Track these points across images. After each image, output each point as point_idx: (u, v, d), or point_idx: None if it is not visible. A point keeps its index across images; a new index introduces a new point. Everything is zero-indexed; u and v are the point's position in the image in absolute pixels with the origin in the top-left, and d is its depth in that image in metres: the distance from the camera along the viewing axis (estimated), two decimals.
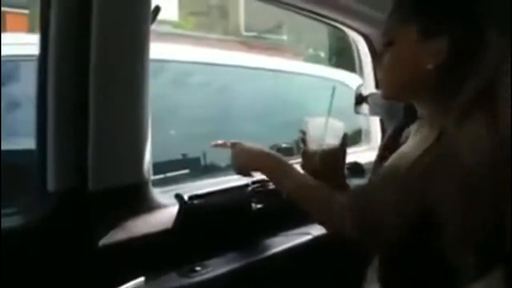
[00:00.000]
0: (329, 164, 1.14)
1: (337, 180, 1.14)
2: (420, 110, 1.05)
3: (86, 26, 1.08)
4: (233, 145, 1.13)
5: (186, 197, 1.23)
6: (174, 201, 1.24)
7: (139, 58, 1.15)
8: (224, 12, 11.52)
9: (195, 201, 1.24)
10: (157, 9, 1.19)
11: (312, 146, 1.14)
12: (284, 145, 1.90)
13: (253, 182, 1.38)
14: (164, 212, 1.23)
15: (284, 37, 11.27)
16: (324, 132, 1.12)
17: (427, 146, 0.90)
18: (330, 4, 1.60)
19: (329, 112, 1.13)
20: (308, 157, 1.16)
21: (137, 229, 1.15)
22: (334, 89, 1.14)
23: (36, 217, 1.06)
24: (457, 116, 0.90)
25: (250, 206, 1.37)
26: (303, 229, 1.44)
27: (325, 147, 1.13)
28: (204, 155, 2.46)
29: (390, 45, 1.03)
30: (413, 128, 1.07)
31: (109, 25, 1.09)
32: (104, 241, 1.08)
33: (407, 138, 1.07)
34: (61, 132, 1.09)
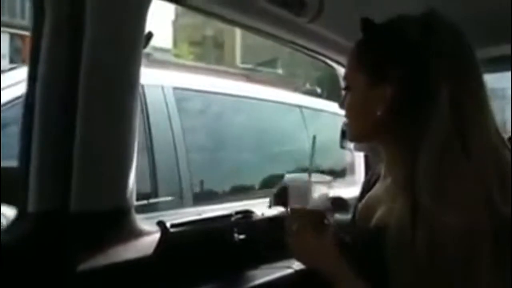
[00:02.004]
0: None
1: None
2: (383, 154, 1.07)
3: (77, 50, 1.09)
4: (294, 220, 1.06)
5: (168, 225, 1.22)
6: (156, 228, 1.23)
7: (129, 84, 1.16)
8: (219, 43, 11.66)
9: (177, 229, 1.22)
10: (150, 35, 1.20)
11: (297, 205, 1.05)
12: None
13: (237, 213, 1.37)
14: (146, 239, 1.22)
15: (279, 71, 11.41)
16: (307, 191, 1.04)
17: (396, 220, 0.91)
18: (321, 41, 1.62)
19: (311, 165, 1.06)
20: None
21: (118, 255, 1.13)
22: (314, 138, 1.10)
23: (13, 238, 1.04)
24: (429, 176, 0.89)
25: (233, 237, 1.36)
26: (285, 263, 1.42)
27: (309, 207, 1.04)
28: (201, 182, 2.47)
29: (348, 90, 1.06)
30: (382, 168, 1.10)
31: (100, 49, 1.10)
32: (83, 266, 1.06)
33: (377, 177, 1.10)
34: (45, 153, 1.08)
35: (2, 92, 1.69)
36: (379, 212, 1.01)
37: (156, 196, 2.26)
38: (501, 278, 0.87)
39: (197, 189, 2.46)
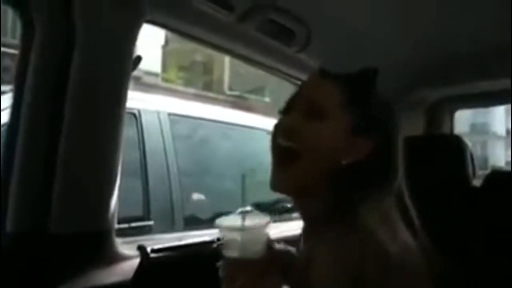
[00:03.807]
0: None
1: None
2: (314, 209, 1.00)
3: (64, 70, 1.09)
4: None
5: (148, 250, 1.20)
6: (136, 252, 1.22)
7: (115, 107, 1.16)
8: (208, 69, 11.74)
9: (158, 254, 1.21)
10: (139, 58, 1.21)
11: (232, 253, 0.93)
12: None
13: (218, 239, 1.35)
14: (126, 264, 1.20)
15: (267, 99, 11.50)
16: (242, 236, 0.92)
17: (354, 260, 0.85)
18: (308, 71, 1.64)
19: (244, 207, 0.95)
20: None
21: (97, 279, 1.11)
22: (243, 177, 0.99)
23: None
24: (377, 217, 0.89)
25: (214, 263, 1.34)
26: None
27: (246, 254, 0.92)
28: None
29: (316, 118, 0.98)
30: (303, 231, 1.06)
31: (88, 70, 1.11)
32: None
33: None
34: (26, 173, 1.07)
35: None
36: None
37: (148, 219, 2.25)
38: None
39: (187, 213, 2.47)
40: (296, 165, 0.94)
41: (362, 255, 0.83)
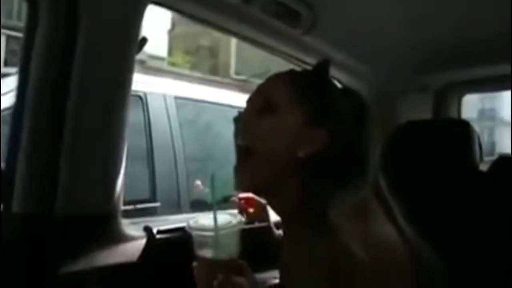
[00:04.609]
0: None
1: None
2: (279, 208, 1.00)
3: (69, 51, 1.08)
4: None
5: (154, 231, 1.21)
6: (142, 233, 1.22)
7: (120, 90, 1.16)
8: (214, 53, 11.71)
9: (164, 235, 1.22)
10: (144, 40, 1.20)
11: (206, 253, 0.93)
12: None
13: None
14: (132, 244, 1.21)
15: None
16: (214, 237, 0.91)
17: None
18: (313, 53, 1.63)
19: (214, 207, 0.93)
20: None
21: (103, 259, 1.12)
22: (213, 177, 0.95)
23: None
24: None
25: None
26: (271, 273, 1.42)
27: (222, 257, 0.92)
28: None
29: (267, 112, 0.97)
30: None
31: (92, 54, 1.10)
32: (66, 269, 1.05)
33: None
34: (33, 154, 1.08)
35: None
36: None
37: (154, 202, 2.27)
38: None
39: (194, 197, 2.47)
40: (251, 162, 0.94)
41: (330, 257, 0.80)
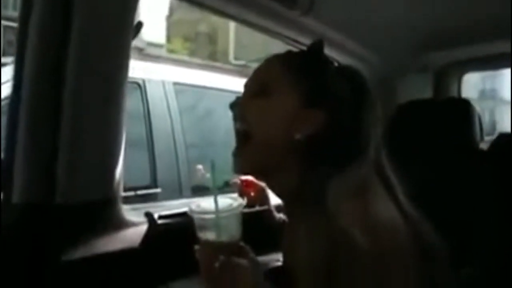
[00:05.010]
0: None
1: None
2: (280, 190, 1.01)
3: (65, 38, 1.07)
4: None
5: (156, 216, 1.21)
6: (144, 219, 1.22)
7: (118, 75, 1.14)
8: (213, 40, 11.66)
9: (165, 221, 1.22)
10: (140, 25, 1.19)
11: (208, 236, 0.93)
12: None
13: None
14: (133, 230, 1.21)
15: None
16: (216, 220, 0.92)
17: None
18: (312, 35, 1.61)
19: (215, 191, 0.93)
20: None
21: (103, 246, 1.12)
22: (213, 164, 0.94)
23: None
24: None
25: None
26: (274, 256, 1.42)
27: (224, 239, 0.92)
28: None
29: (262, 95, 0.97)
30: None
31: (88, 40, 1.09)
32: (68, 257, 1.05)
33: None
34: (31, 143, 1.07)
35: None
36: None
37: (155, 188, 2.28)
38: None
39: (195, 183, 2.48)
40: (249, 146, 0.95)
41: (329, 241, 0.80)
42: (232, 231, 0.95)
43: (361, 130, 0.93)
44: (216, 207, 0.92)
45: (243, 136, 0.97)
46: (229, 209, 0.94)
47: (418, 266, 0.84)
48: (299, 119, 0.92)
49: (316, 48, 1.01)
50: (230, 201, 0.97)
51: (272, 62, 1.01)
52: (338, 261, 0.79)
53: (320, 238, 0.81)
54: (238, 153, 0.99)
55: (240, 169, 1.02)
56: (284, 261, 1.07)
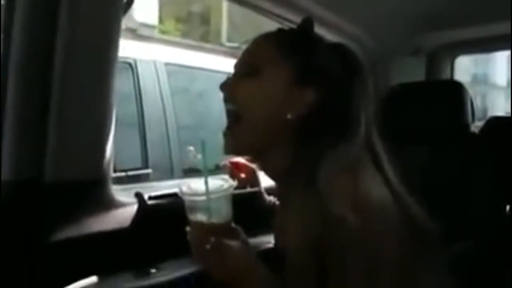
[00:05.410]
0: None
1: None
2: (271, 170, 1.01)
3: (53, 18, 1.05)
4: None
5: (146, 196, 1.20)
6: (134, 199, 1.22)
7: (107, 55, 1.13)
8: (205, 20, 11.56)
9: (155, 201, 1.21)
10: (130, 1, 1.17)
11: (199, 218, 0.93)
12: None
13: None
14: (123, 210, 1.20)
15: None
16: (207, 201, 0.91)
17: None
18: (305, 15, 1.60)
19: (205, 173, 0.92)
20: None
21: (93, 226, 1.11)
22: (203, 144, 0.93)
23: None
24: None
25: None
26: (265, 238, 1.42)
27: (214, 221, 0.92)
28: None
29: (251, 75, 0.96)
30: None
31: (77, 20, 1.07)
32: (56, 236, 1.04)
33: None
34: (20, 122, 1.06)
35: None
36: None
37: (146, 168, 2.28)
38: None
39: (186, 166, 2.47)
40: (239, 126, 0.94)
41: (321, 222, 0.80)
42: (223, 213, 0.95)
43: (353, 108, 0.92)
44: (207, 189, 0.92)
45: (233, 117, 0.97)
46: (220, 190, 0.94)
47: (408, 244, 0.85)
48: (291, 98, 0.92)
49: (306, 25, 0.99)
50: (221, 182, 0.96)
51: (261, 41, 1.00)
52: (331, 239, 0.79)
53: (312, 217, 0.81)
54: (229, 134, 0.98)
55: (230, 150, 1.01)
56: (276, 242, 1.07)
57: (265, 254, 1.02)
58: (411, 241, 0.85)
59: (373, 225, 0.81)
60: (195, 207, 0.94)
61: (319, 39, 1.00)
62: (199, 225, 0.93)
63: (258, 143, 0.96)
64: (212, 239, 0.89)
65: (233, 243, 0.91)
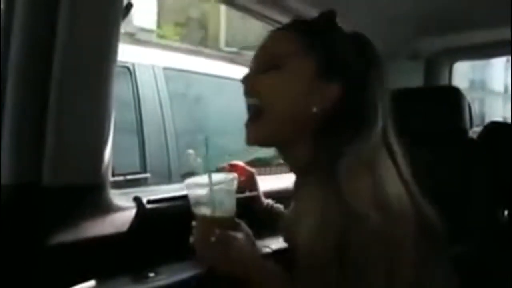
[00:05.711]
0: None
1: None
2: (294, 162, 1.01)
3: (52, 20, 1.05)
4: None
5: (144, 200, 1.20)
6: (132, 203, 1.21)
7: (106, 58, 1.13)
8: (203, 26, 11.57)
9: (154, 205, 1.21)
10: (130, 5, 1.17)
11: (203, 211, 0.96)
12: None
13: None
14: (122, 214, 1.20)
15: None
16: (211, 194, 0.93)
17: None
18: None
19: (208, 168, 0.95)
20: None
21: (91, 230, 1.11)
22: (206, 140, 0.97)
23: None
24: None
25: None
26: (263, 242, 1.42)
27: (218, 214, 0.94)
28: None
29: (274, 68, 0.96)
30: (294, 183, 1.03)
31: (76, 22, 1.07)
32: (55, 240, 1.04)
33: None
34: (18, 126, 1.06)
35: None
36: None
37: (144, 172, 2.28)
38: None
39: (184, 170, 2.47)
40: (262, 120, 0.94)
41: (341, 214, 0.80)
42: (227, 206, 0.96)
43: (371, 99, 0.92)
44: (210, 180, 0.93)
45: (255, 111, 0.96)
46: (224, 181, 0.95)
47: (422, 245, 0.85)
48: (316, 92, 0.91)
49: (328, 17, 0.98)
50: (223, 175, 0.98)
51: (280, 32, 0.99)
52: (351, 236, 0.79)
53: (333, 212, 0.81)
54: (251, 125, 0.98)
55: (252, 141, 0.99)
56: (288, 237, 1.06)
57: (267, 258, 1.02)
58: (425, 241, 0.85)
59: (393, 224, 0.81)
60: (199, 201, 0.95)
61: (341, 30, 0.99)
62: (204, 218, 0.94)
63: (280, 136, 0.96)
64: (217, 231, 0.90)
65: (238, 235, 0.92)
